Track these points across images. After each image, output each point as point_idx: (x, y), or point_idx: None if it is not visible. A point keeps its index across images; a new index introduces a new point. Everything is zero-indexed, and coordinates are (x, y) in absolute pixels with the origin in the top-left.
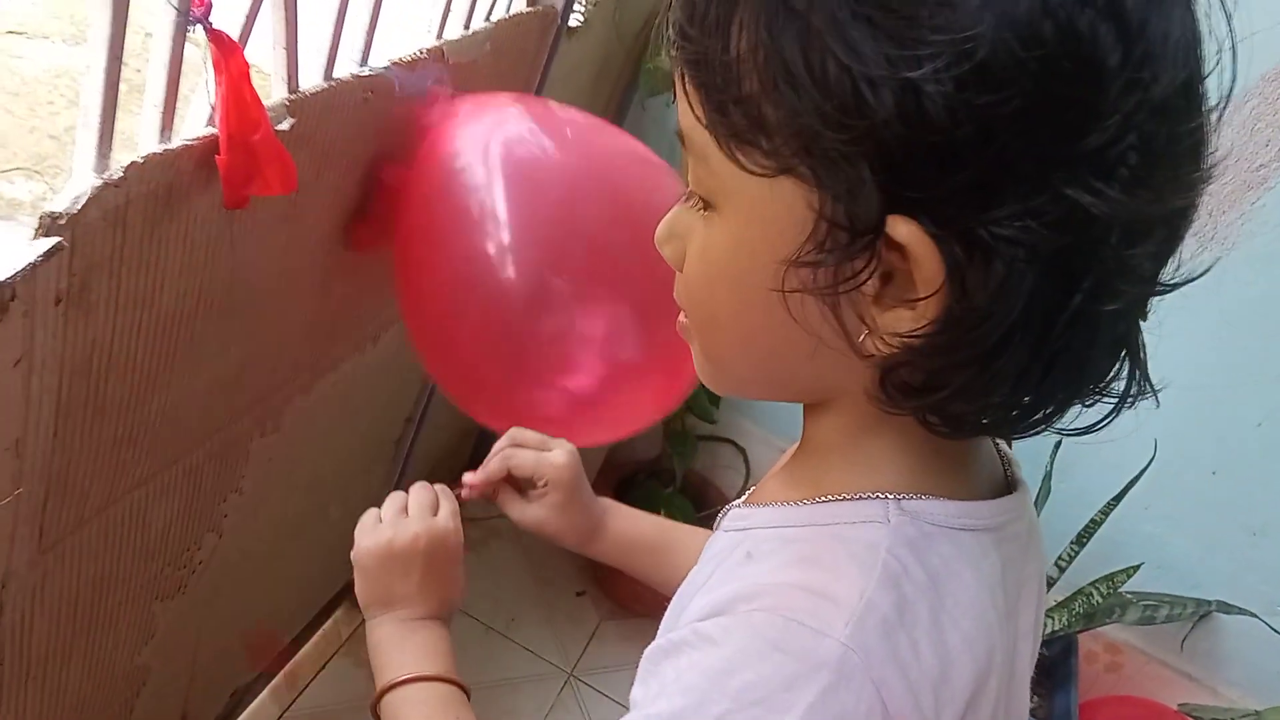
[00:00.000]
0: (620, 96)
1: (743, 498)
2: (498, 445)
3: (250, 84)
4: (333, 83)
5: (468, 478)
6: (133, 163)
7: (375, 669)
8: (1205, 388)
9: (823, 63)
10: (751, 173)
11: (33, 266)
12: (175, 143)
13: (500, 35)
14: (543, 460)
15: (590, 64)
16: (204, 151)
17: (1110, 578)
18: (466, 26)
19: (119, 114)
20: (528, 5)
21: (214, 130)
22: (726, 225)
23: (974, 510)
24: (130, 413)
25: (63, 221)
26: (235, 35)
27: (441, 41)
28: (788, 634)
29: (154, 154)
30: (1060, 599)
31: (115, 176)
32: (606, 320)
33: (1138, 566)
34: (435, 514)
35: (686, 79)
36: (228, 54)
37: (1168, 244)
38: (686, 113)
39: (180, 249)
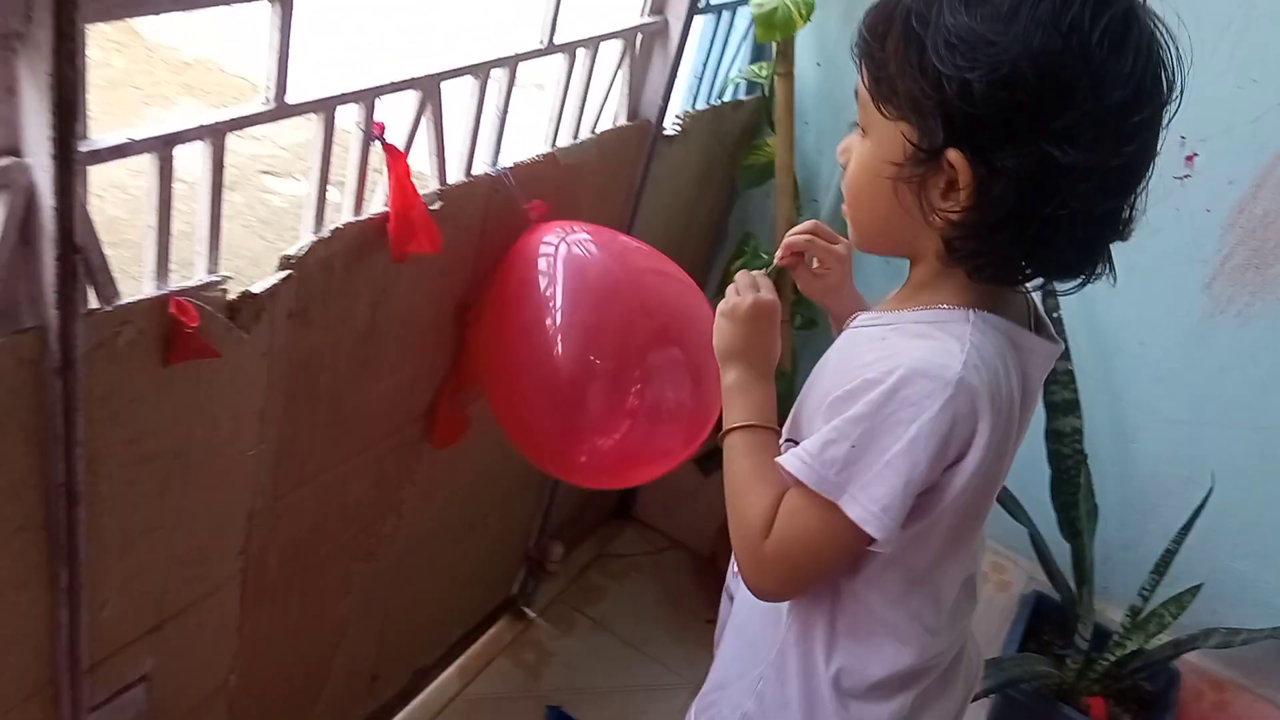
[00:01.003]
0: (728, 190)
1: (864, 313)
2: (800, 228)
3: (410, 178)
4: (470, 178)
5: (778, 254)
6: (336, 228)
7: (725, 407)
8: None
9: (925, 62)
10: (886, 117)
11: (274, 288)
12: (362, 216)
13: (605, 142)
14: (830, 249)
15: (693, 165)
16: (380, 222)
17: (1177, 599)
18: (575, 136)
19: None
20: (628, 119)
21: (386, 209)
22: (871, 145)
23: (1014, 329)
24: (335, 403)
25: (293, 261)
26: (401, 146)
27: (555, 149)
28: (927, 369)
29: (349, 222)
30: (1134, 622)
31: (325, 235)
32: (636, 388)
33: (1199, 587)
34: (760, 291)
35: (861, 63)
36: (395, 159)
37: (1108, 184)
38: (860, 82)
39: (367, 288)
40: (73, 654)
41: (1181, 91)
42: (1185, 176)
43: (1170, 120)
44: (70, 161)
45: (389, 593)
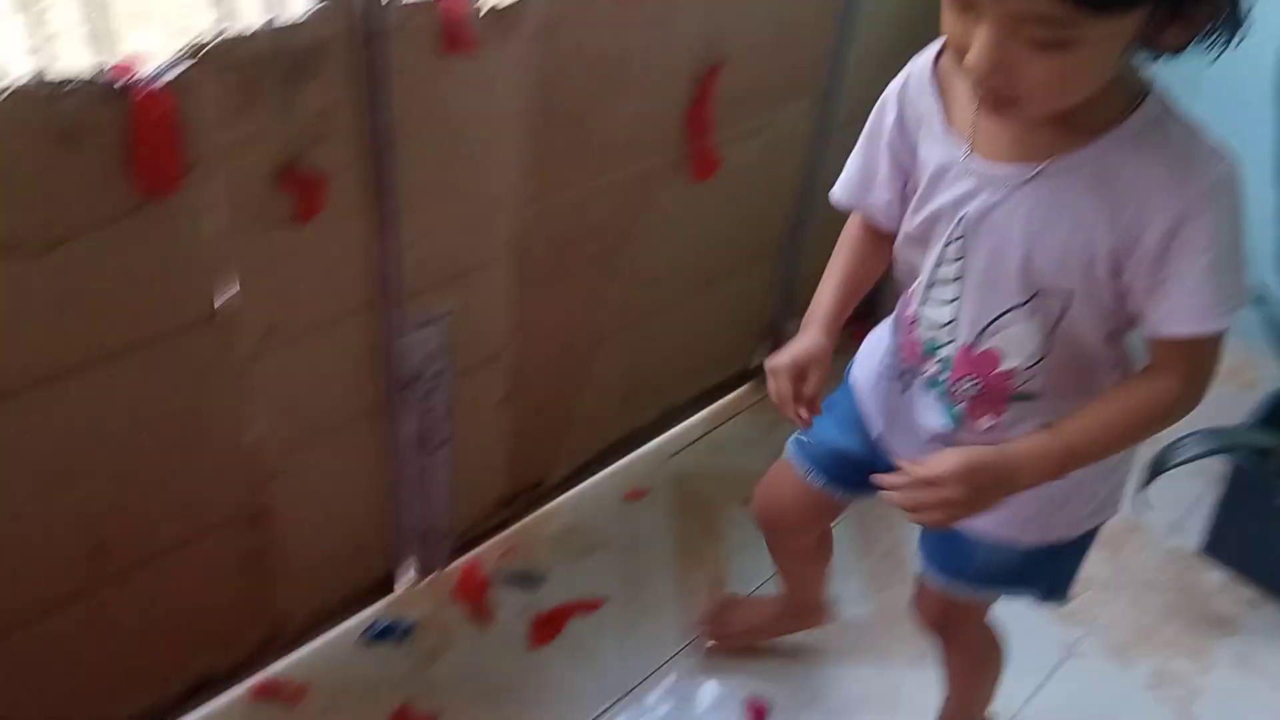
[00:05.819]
0: None
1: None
2: (784, 392)
3: None
4: None
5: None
6: None
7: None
8: None
9: None
10: (1114, 16)
11: (518, 5)
12: None
13: None
14: (815, 371)
15: None
16: None
17: None
18: None
19: None
20: None
21: None
22: (1089, 48)
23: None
24: (583, 121)
25: None
26: None
27: None
28: (1222, 165)
29: None
30: None
31: None
32: None
33: None
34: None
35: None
36: None
37: None
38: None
39: (607, 19)
40: (392, 279)
41: None
42: None
43: None
44: None
45: (637, 319)
